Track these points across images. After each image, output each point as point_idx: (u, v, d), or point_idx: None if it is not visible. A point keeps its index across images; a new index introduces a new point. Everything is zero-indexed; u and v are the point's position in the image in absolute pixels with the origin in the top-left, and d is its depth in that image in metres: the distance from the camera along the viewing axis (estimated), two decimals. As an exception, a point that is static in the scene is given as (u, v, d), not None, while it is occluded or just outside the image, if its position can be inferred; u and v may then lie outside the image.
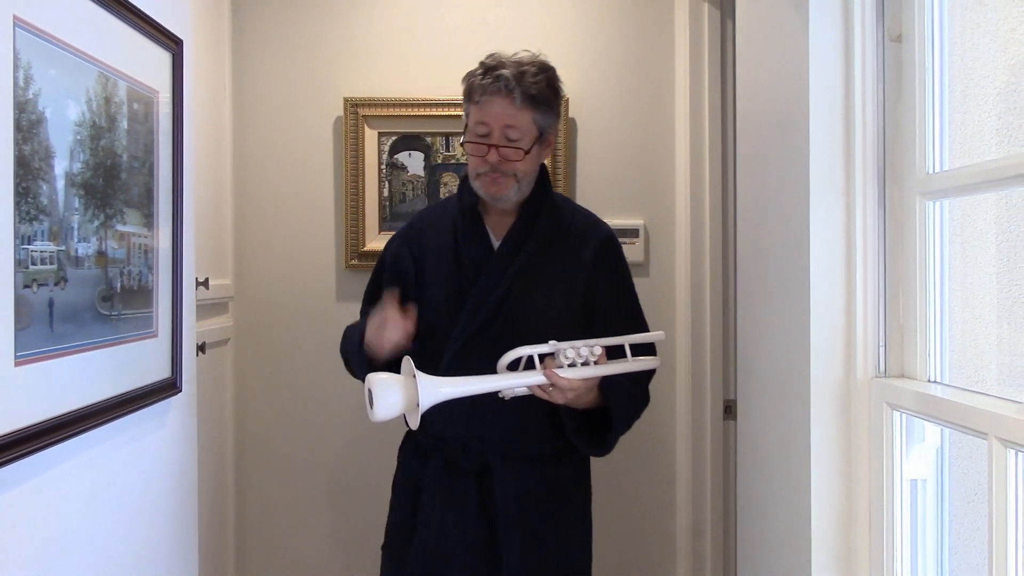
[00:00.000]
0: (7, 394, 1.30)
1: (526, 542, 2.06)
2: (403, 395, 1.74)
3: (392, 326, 1.93)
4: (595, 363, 1.90)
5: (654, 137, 3.17)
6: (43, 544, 1.44)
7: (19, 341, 1.34)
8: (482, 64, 2.07)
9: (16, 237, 1.33)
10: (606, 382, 1.97)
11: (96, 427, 1.59)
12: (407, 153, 3.15)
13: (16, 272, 1.33)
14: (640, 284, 3.13)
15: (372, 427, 2.54)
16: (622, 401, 2.03)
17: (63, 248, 1.48)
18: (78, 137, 1.53)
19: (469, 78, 2.08)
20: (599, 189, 3.17)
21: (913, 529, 1.67)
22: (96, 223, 1.60)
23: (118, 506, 1.73)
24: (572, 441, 2.09)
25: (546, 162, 3.10)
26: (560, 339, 1.91)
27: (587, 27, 3.17)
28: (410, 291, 2.11)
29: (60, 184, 1.47)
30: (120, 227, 1.70)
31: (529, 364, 1.89)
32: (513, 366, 1.89)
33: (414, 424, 1.76)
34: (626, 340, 1.99)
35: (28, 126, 1.36)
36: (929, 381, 1.64)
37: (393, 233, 2.35)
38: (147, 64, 1.83)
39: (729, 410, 3.07)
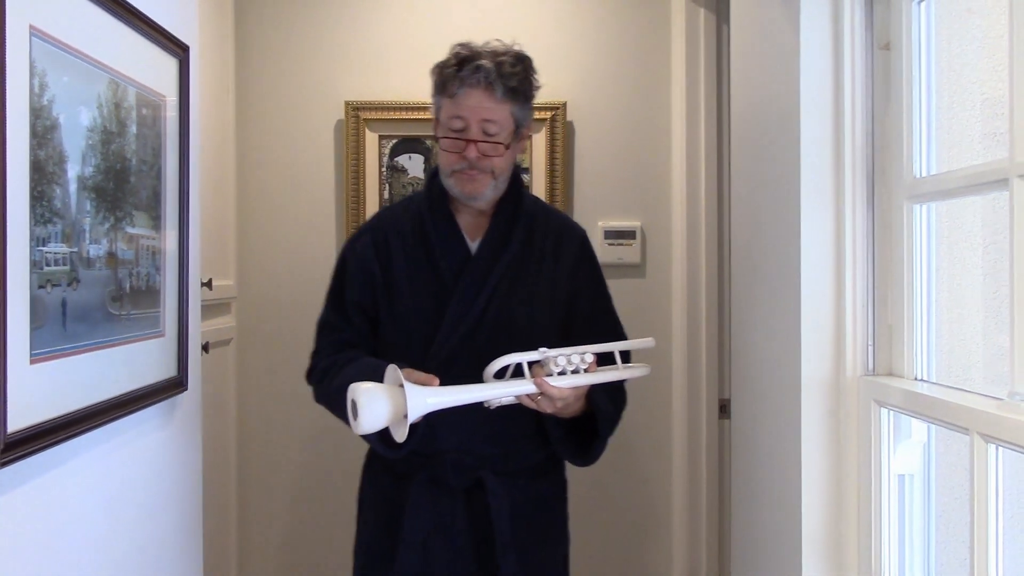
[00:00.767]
0: (23, 391, 1.35)
1: (521, 558, 1.99)
2: (389, 405, 1.65)
3: None
4: (585, 371, 1.82)
5: (651, 140, 3.21)
6: (55, 536, 1.49)
7: (34, 340, 1.38)
8: (455, 55, 1.96)
9: (32, 239, 1.37)
10: (591, 389, 1.90)
11: (106, 424, 1.63)
12: (407, 156, 3.20)
13: (32, 273, 1.37)
14: (636, 285, 3.21)
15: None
16: (608, 408, 1.96)
17: (75, 250, 1.53)
18: (90, 142, 1.58)
19: (441, 69, 1.97)
20: (596, 191, 3.21)
21: (901, 523, 1.72)
22: (106, 225, 1.65)
23: (127, 500, 1.77)
24: (557, 451, 2.03)
25: (542, 165, 3.16)
26: (547, 346, 1.84)
27: (585, 32, 3.21)
28: (380, 299, 2.03)
29: (73, 188, 1.52)
30: (129, 229, 1.75)
31: (516, 372, 1.81)
32: (500, 374, 1.81)
33: (401, 436, 1.67)
34: (616, 347, 1.92)
35: (43, 132, 1.41)
36: (916, 379, 1.69)
37: None
38: (155, 70, 1.88)
39: (724, 409, 3.11)
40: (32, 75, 1.37)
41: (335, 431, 3.20)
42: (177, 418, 2.04)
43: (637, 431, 3.21)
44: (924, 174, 1.67)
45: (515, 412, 1.87)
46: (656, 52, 3.21)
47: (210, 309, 2.85)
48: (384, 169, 3.19)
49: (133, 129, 1.77)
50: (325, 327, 2.11)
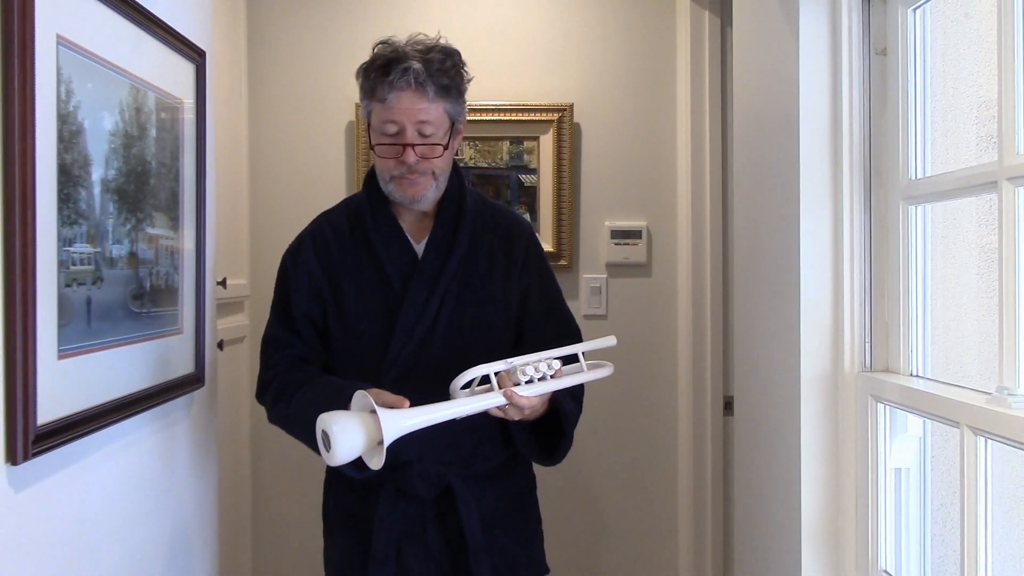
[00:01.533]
0: (51, 385, 1.41)
1: (495, 560, 1.96)
2: (363, 434, 1.59)
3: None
4: (552, 376, 1.77)
5: (656, 142, 3.27)
6: (81, 524, 1.55)
7: (61, 336, 1.44)
8: (379, 55, 1.88)
9: (59, 240, 1.43)
10: (560, 395, 1.86)
11: (128, 417, 1.69)
12: (417, 157, 3.25)
13: (59, 272, 1.43)
14: (642, 284, 3.26)
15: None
16: (570, 406, 1.92)
17: (99, 250, 1.59)
18: (112, 146, 1.64)
19: (367, 73, 1.89)
20: (603, 191, 3.27)
21: (897, 516, 1.77)
22: (128, 226, 1.71)
23: (148, 490, 1.83)
24: (523, 452, 1.98)
25: (549, 166, 3.21)
26: (502, 348, 1.84)
27: (592, 35, 3.27)
28: (328, 309, 1.96)
29: (96, 190, 1.58)
30: (149, 230, 1.81)
31: (482, 382, 1.77)
32: (466, 385, 1.75)
33: (377, 464, 1.60)
34: (579, 348, 1.86)
35: (69, 136, 1.47)
36: (911, 375, 1.74)
37: None
38: (173, 75, 1.94)
39: (729, 406, 3.16)
40: (59, 82, 1.43)
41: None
42: (194, 412, 2.11)
43: (643, 429, 3.26)
44: (919, 176, 1.72)
45: (478, 417, 1.79)
46: (661, 55, 3.26)
47: (224, 308, 2.91)
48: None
49: (153, 133, 1.83)
50: (272, 342, 2.02)
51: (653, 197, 3.28)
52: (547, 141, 3.23)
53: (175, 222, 1.96)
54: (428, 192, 1.90)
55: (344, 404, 1.69)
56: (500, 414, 1.75)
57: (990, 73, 1.78)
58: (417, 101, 1.83)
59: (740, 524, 2.34)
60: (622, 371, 3.20)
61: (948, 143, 1.82)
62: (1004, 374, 1.37)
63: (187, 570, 2.06)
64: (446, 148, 1.89)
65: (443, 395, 1.73)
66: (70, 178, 1.47)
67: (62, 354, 1.45)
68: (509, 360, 1.75)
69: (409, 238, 1.96)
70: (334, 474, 2.01)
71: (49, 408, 1.40)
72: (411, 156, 1.85)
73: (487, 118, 3.20)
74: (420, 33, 1.93)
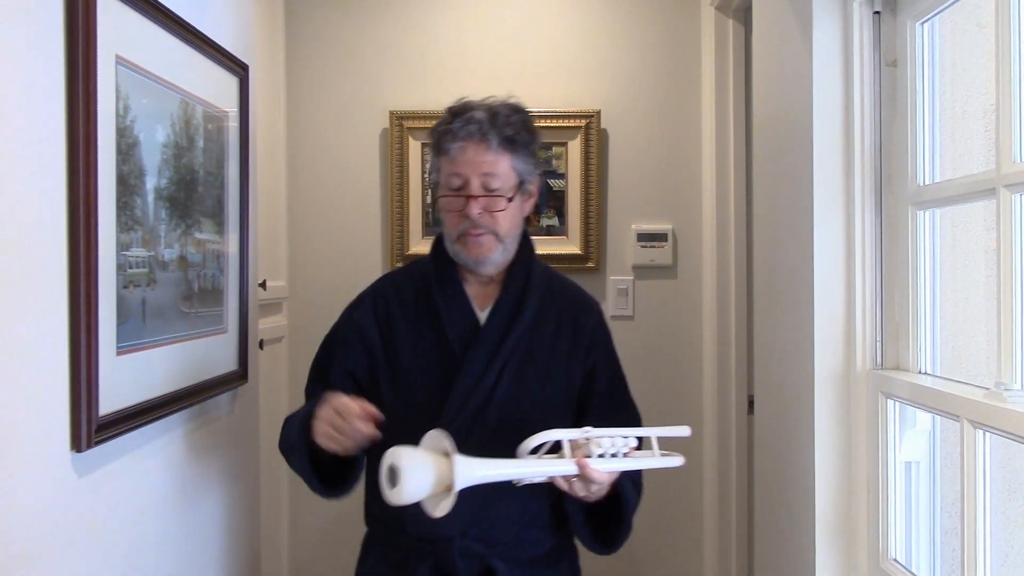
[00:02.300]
0: (112, 379, 1.52)
1: None
2: (433, 475, 1.49)
3: (353, 413, 1.62)
4: (624, 455, 1.67)
5: (682, 146, 3.35)
6: (136, 508, 1.67)
7: (120, 334, 1.56)
8: (448, 111, 1.85)
9: (117, 245, 1.55)
10: (623, 480, 1.74)
11: (178, 411, 1.81)
12: (449, 163, 3.35)
13: (117, 275, 1.55)
14: (668, 286, 3.35)
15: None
16: (632, 493, 1.80)
17: (152, 254, 1.71)
18: (164, 156, 1.75)
19: (435, 128, 1.86)
20: (629, 195, 3.35)
21: (907, 508, 1.85)
22: (178, 231, 1.83)
23: (196, 479, 1.95)
24: (578, 536, 1.86)
25: (577, 171, 3.31)
26: (559, 428, 1.70)
27: (619, 43, 3.36)
28: (380, 370, 1.85)
29: (150, 198, 1.69)
30: (197, 235, 1.93)
31: (551, 450, 1.66)
32: (535, 450, 1.65)
33: (440, 512, 1.51)
34: (654, 432, 1.75)
35: (126, 149, 1.59)
36: (920, 372, 1.81)
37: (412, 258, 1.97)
38: (219, 88, 2.06)
39: (752, 405, 3.23)
40: (117, 99, 1.55)
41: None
42: (238, 408, 2.22)
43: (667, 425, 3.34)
44: (927, 182, 1.80)
45: (526, 494, 1.71)
46: (687, 62, 3.34)
47: (264, 308, 3.03)
48: (426, 176, 3.35)
49: (200, 143, 1.94)
50: (307, 399, 1.91)
51: (678, 201, 3.36)
52: (575, 147, 3.32)
53: (220, 227, 2.08)
54: (493, 254, 1.81)
55: (307, 414, 1.68)
56: (565, 486, 1.64)
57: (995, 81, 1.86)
58: (481, 152, 1.77)
59: (760, 516, 2.42)
60: (649, 372, 3.30)
61: (957, 150, 1.89)
62: (1002, 370, 1.45)
63: (232, 555, 2.17)
64: (510, 201, 1.79)
65: None
66: (127, 187, 1.59)
67: (120, 350, 1.57)
68: (586, 429, 1.64)
69: (473, 305, 1.86)
70: (370, 545, 1.94)
71: (109, 400, 1.52)
72: (474, 208, 1.76)
73: (516, 125, 3.29)
74: (491, 96, 1.88)
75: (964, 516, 1.52)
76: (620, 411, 1.89)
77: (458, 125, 1.78)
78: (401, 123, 3.33)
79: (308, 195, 3.39)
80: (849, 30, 1.89)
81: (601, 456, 1.63)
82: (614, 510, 1.78)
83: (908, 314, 1.83)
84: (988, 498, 1.50)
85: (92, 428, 1.44)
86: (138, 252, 1.64)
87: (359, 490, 1.90)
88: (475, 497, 1.64)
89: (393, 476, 1.49)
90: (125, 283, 1.59)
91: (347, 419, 1.61)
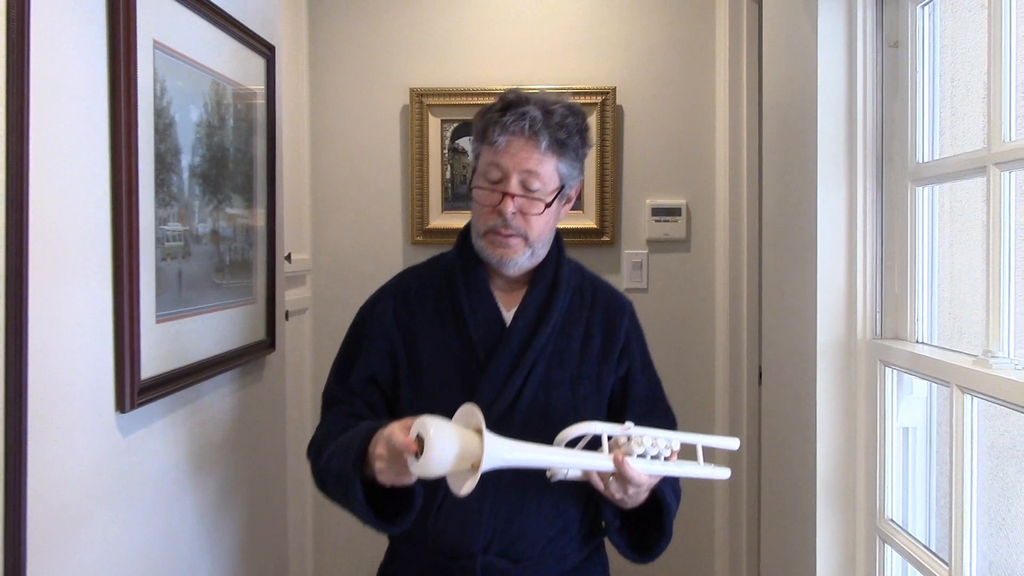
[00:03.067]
0: (152, 345, 1.63)
1: None
2: (460, 447, 1.40)
3: (411, 451, 1.44)
4: (666, 459, 1.57)
5: (695, 123, 3.42)
6: (174, 466, 1.78)
7: (159, 303, 1.67)
8: (502, 98, 1.73)
9: (156, 220, 1.65)
10: (662, 485, 1.66)
11: (212, 376, 1.92)
12: (467, 138, 3.44)
13: (156, 248, 1.65)
14: (682, 260, 3.43)
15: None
16: (672, 502, 1.71)
17: (188, 228, 1.81)
18: (197, 135, 1.85)
19: (485, 114, 1.74)
20: (644, 171, 3.43)
21: (904, 471, 1.93)
22: (211, 207, 1.93)
23: (228, 442, 2.06)
24: (613, 543, 1.74)
25: (592, 149, 3.38)
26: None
27: (635, 21, 3.42)
28: (400, 373, 1.76)
29: (185, 175, 1.79)
30: (228, 210, 2.03)
31: (589, 446, 1.57)
32: (572, 444, 1.56)
33: (465, 490, 1.40)
34: (700, 440, 1.64)
35: (163, 129, 1.69)
36: (917, 342, 1.89)
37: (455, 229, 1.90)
38: (247, 69, 2.15)
39: (762, 376, 3.32)
40: (155, 82, 1.65)
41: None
42: (266, 375, 2.33)
43: (682, 398, 3.43)
44: (926, 160, 1.87)
45: (554, 504, 1.68)
46: (701, 39, 3.41)
47: (289, 281, 3.14)
48: (446, 151, 3.44)
49: (231, 122, 2.04)
50: (328, 400, 1.83)
51: (692, 176, 3.43)
52: (591, 123, 3.39)
53: (249, 202, 2.17)
54: (519, 258, 1.72)
55: (360, 448, 1.55)
56: (600, 486, 1.57)
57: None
58: (528, 149, 1.66)
59: (766, 480, 2.52)
60: (663, 344, 3.39)
61: (956, 129, 1.96)
62: (989, 339, 1.53)
63: (263, 510, 2.29)
64: (548, 206, 1.69)
65: (519, 479, 1.61)
66: (164, 165, 1.69)
67: (159, 319, 1.67)
68: (629, 426, 1.56)
69: (500, 305, 1.77)
70: (392, 559, 1.83)
71: (149, 365, 1.62)
72: (509, 206, 1.67)
73: (534, 102, 3.37)
74: (549, 89, 1.77)
75: (952, 478, 1.60)
76: (656, 417, 1.80)
77: (510, 119, 1.66)
78: (421, 100, 3.42)
79: (331, 171, 3.49)
80: (853, 12, 1.96)
81: (642, 456, 1.53)
82: (653, 517, 1.68)
83: (907, 286, 1.91)
84: (975, 461, 1.59)
85: (135, 391, 1.55)
86: (174, 226, 1.74)
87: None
88: (500, 510, 1.64)
89: (420, 445, 1.41)
90: (163, 256, 1.69)
91: (399, 462, 1.46)
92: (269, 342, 2.30)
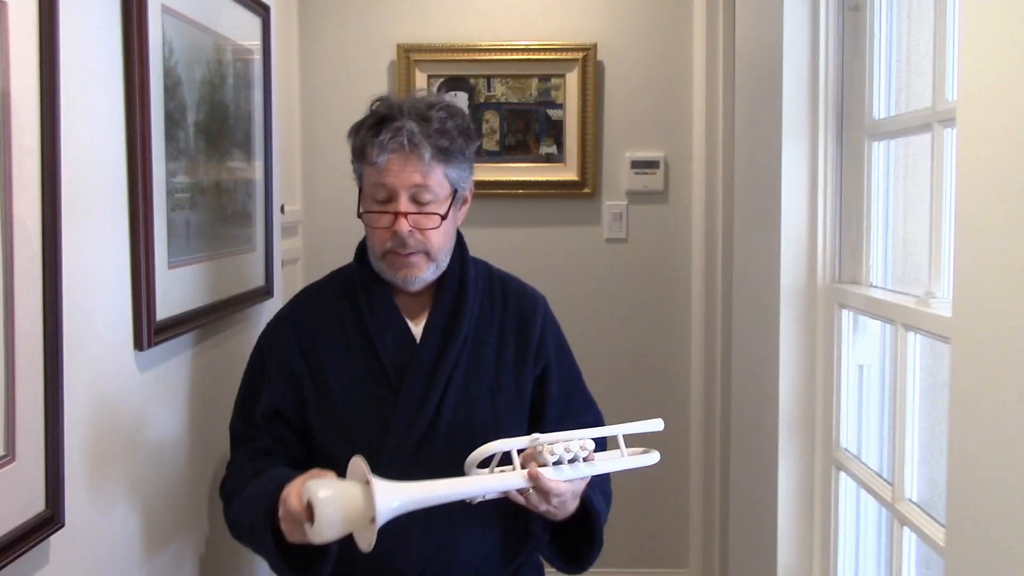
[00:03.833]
0: (164, 289, 1.76)
1: None
2: (348, 511, 1.34)
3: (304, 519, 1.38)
4: (584, 460, 1.50)
5: (674, 79, 3.55)
6: (186, 400, 1.92)
7: (170, 250, 1.80)
8: (373, 113, 1.67)
9: (166, 173, 1.78)
10: (591, 492, 1.60)
11: (218, 319, 2.06)
12: (453, 93, 3.55)
13: (167, 199, 1.78)
14: (660, 210, 3.58)
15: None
16: (602, 508, 1.65)
17: (194, 181, 1.93)
18: (201, 93, 1.97)
19: (359, 132, 1.69)
20: (624, 125, 3.56)
21: (859, 404, 2.10)
22: (214, 161, 2.05)
23: (229, 384, 2.20)
24: (544, 557, 1.72)
25: (575, 101, 3.50)
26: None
27: (614, -22, 3.54)
28: (308, 402, 1.69)
29: (191, 131, 1.91)
30: (229, 163, 2.15)
31: (504, 461, 1.50)
32: (485, 464, 1.50)
33: (366, 545, 1.34)
34: (621, 431, 1.56)
35: (171, 87, 1.80)
36: (872, 286, 2.05)
37: None
38: (244, 29, 2.26)
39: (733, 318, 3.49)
40: (164, 44, 1.76)
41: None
42: (266, 318, 2.46)
43: (660, 339, 3.60)
44: (882, 116, 2.02)
45: (480, 525, 1.63)
46: (679, -3, 3.52)
47: (282, 231, 3.26)
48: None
49: (230, 80, 2.15)
50: (237, 438, 1.79)
51: (670, 130, 3.57)
52: (573, 78, 3.52)
53: (248, 156, 2.30)
54: (424, 273, 1.66)
55: (268, 506, 1.51)
56: (522, 501, 1.49)
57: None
58: (412, 164, 1.60)
59: (735, 415, 2.69)
60: (642, 291, 3.55)
61: (912, 87, 2.09)
62: (931, 281, 1.69)
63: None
64: (444, 218, 1.64)
65: (446, 505, 1.47)
66: (172, 122, 1.81)
67: (171, 265, 1.80)
68: (535, 436, 1.48)
69: (408, 322, 1.71)
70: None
71: (163, 307, 1.75)
72: (404, 226, 1.61)
73: (517, 57, 3.49)
74: (421, 90, 1.72)
75: (896, 408, 1.77)
76: (574, 415, 1.75)
77: (386, 136, 1.60)
78: (408, 56, 3.52)
79: (321, 125, 3.60)
80: (816, -24, 2.09)
81: (559, 463, 1.47)
82: (585, 525, 1.62)
83: (863, 234, 2.07)
84: (916, 392, 1.75)
85: (152, 330, 1.68)
86: (182, 179, 1.87)
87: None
88: (431, 537, 1.59)
89: (311, 512, 1.34)
90: (172, 207, 1.82)
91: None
92: (267, 288, 2.43)
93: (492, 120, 3.56)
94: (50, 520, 1.34)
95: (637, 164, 3.57)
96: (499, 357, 1.70)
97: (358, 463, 1.38)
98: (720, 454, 3.46)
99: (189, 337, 1.92)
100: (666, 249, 3.61)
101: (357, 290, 1.73)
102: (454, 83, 3.55)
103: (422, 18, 3.56)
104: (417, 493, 1.39)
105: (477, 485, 1.45)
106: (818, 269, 2.14)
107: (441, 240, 1.65)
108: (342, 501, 1.34)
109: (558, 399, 1.76)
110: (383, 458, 1.60)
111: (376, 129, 1.63)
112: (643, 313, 3.58)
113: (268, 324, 1.81)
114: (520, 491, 1.47)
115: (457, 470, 1.49)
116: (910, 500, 1.75)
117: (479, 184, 1.88)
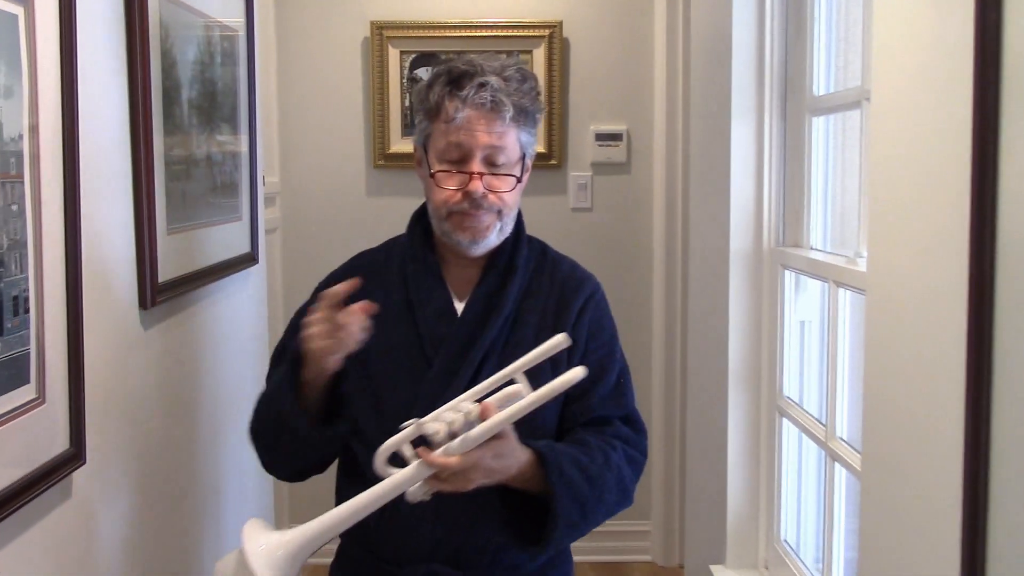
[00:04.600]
0: (165, 253, 1.92)
1: None
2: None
3: (346, 321, 1.43)
4: (480, 419, 1.36)
5: (636, 55, 3.72)
6: (187, 355, 2.09)
7: (168, 218, 1.95)
8: (449, 70, 1.57)
9: (164, 146, 1.93)
10: (548, 449, 1.49)
11: (211, 283, 2.21)
12: (425, 69, 3.70)
13: (166, 170, 1.94)
14: (622, 181, 3.76)
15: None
16: (571, 474, 1.48)
17: (188, 153, 2.08)
18: (194, 72, 2.12)
19: (430, 87, 1.59)
20: (589, 99, 3.73)
21: (800, 357, 2.30)
22: (205, 135, 2.20)
23: (226, 338, 2.37)
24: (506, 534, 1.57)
25: (541, 76, 3.66)
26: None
27: (578, -42, 3.69)
28: (345, 370, 1.56)
29: (185, 108, 2.06)
30: (219, 137, 2.30)
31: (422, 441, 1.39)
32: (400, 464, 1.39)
33: None
34: (519, 367, 1.41)
35: (168, 67, 1.95)
36: (811, 248, 2.25)
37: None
38: (230, 10, 2.40)
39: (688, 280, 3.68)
40: (161, 27, 1.91)
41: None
42: (251, 284, 2.63)
43: (623, 303, 3.79)
44: (820, 93, 2.20)
45: (501, 513, 1.53)
46: (640, -24, 3.69)
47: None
48: (404, 80, 3.70)
49: (219, 59, 2.30)
50: (277, 359, 1.77)
51: (633, 104, 3.74)
52: (539, 55, 3.68)
53: (234, 130, 2.45)
54: (491, 235, 1.59)
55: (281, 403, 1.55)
56: (448, 487, 1.38)
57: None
58: (492, 123, 1.53)
59: (691, 369, 2.90)
60: (606, 258, 3.73)
61: (851, 66, 2.28)
62: (860, 242, 1.88)
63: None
64: (519, 180, 1.59)
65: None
66: (170, 99, 1.96)
67: (170, 231, 1.96)
68: (414, 419, 1.39)
69: (453, 295, 1.65)
70: (342, 558, 1.72)
71: (164, 269, 1.91)
72: (479, 187, 1.53)
73: (487, 34, 3.65)
74: (490, 51, 1.70)
75: (828, 356, 1.97)
76: (598, 401, 1.63)
77: (470, 91, 1.52)
78: (381, 32, 3.66)
79: (297, 100, 3.74)
80: (762, -38, 2.27)
81: (454, 437, 1.35)
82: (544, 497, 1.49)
83: (804, 202, 2.26)
84: (847, 342, 1.95)
85: (155, 290, 1.84)
86: (179, 152, 2.02)
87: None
88: (445, 517, 1.53)
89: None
90: (170, 177, 1.97)
91: (333, 331, 1.45)
92: (253, 255, 2.59)
93: (462, 94, 3.70)
94: (74, 457, 1.50)
95: (601, 137, 3.74)
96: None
97: (251, 524, 1.33)
98: (679, 411, 3.68)
99: (188, 298, 2.08)
100: (629, 217, 3.79)
101: (406, 259, 1.69)
102: (425, 59, 3.70)
103: (394, -4, 3.70)
104: (293, 544, 1.30)
105: (378, 492, 1.34)
106: (764, 234, 2.33)
107: (512, 202, 1.60)
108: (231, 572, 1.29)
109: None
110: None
111: (456, 84, 1.55)
112: (607, 277, 3.70)
113: (322, 280, 1.79)
114: (429, 480, 1.37)
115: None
116: (840, 438, 1.96)
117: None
